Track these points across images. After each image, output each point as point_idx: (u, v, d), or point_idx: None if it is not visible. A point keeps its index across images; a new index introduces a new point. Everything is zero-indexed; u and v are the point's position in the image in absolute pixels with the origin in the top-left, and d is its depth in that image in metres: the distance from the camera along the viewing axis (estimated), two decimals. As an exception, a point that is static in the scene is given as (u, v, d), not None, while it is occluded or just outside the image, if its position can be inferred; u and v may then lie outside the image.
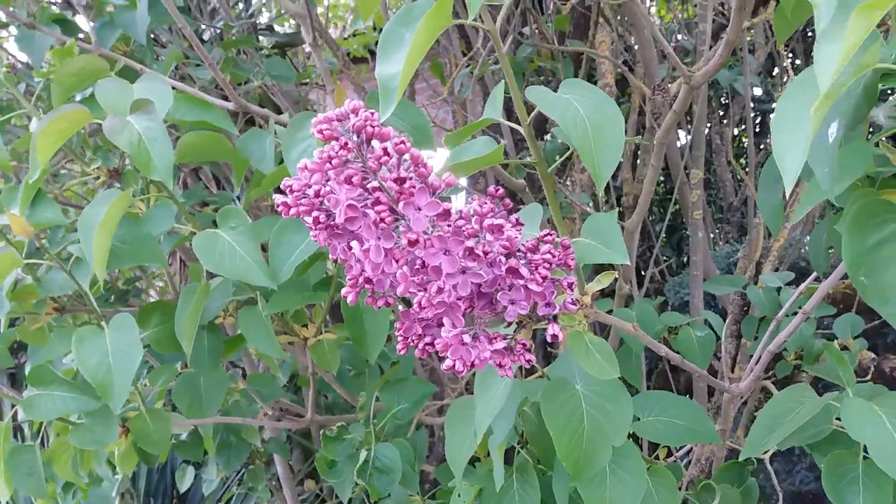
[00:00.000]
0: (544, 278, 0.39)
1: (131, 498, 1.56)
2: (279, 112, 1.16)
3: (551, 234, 0.43)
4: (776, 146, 0.33)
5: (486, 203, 0.37)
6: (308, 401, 0.93)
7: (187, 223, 0.68)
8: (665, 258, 2.14)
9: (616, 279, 1.26)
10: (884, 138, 0.48)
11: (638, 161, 1.51)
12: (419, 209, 0.34)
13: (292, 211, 0.38)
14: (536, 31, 1.28)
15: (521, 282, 0.39)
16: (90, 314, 0.75)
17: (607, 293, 1.45)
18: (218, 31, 1.31)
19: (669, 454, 1.09)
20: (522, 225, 0.44)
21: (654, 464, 0.66)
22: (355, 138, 0.33)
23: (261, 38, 1.51)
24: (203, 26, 1.33)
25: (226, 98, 1.03)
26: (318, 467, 0.77)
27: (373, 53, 2.04)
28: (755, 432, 0.56)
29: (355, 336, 0.66)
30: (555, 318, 0.43)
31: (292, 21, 1.93)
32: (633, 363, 0.98)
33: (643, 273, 2.05)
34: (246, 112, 0.82)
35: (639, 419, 0.64)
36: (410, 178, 0.33)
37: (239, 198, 0.93)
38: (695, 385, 1.33)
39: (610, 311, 1.02)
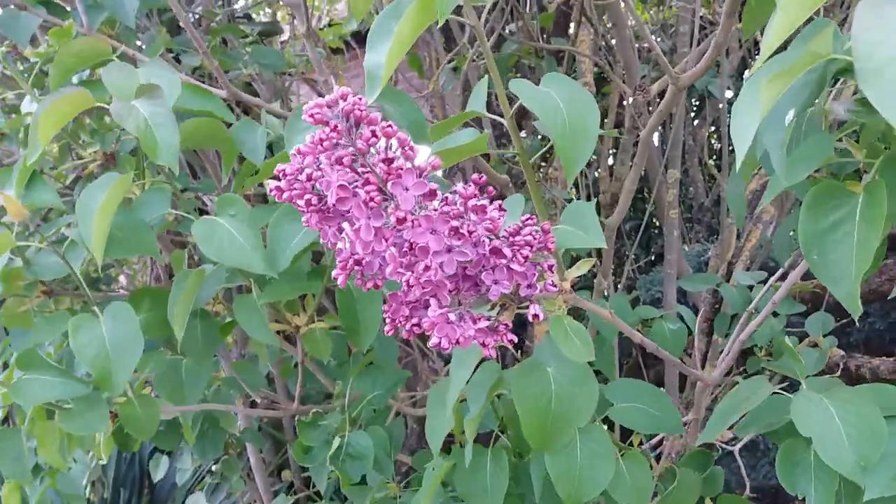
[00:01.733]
0: (526, 258, 0.41)
1: (102, 486, 1.55)
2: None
3: (532, 219, 0.45)
4: (732, 128, 0.35)
5: (470, 187, 0.39)
6: (287, 390, 0.94)
7: (177, 210, 0.69)
8: (635, 256, 2.19)
9: (595, 273, 1.28)
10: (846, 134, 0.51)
11: (616, 160, 1.54)
12: (407, 189, 0.35)
13: (285, 195, 0.40)
14: (521, 28, 1.30)
15: (504, 262, 0.40)
16: (74, 299, 0.75)
17: (586, 287, 1.48)
18: (196, 17, 1.31)
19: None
20: (505, 211, 0.46)
21: (628, 449, 0.68)
22: (345, 122, 0.35)
23: (240, 26, 1.51)
24: (185, 11, 1.32)
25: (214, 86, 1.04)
26: (294, 454, 0.78)
27: (348, 45, 2.04)
28: (713, 420, 0.59)
29: (349, 325, 0.68)
30: (537, 300, 0.45)
31: (268, 10, 1.93)
32: (606, 353, 1.00)
33: (620, 270, 2.09)
34: (237, 101, 0.83)
35: (612, 405, 0.66)
36: (398, 160, 0.35)
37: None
38: (666, 379, 1.36)
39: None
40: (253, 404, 1.17)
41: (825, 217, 0.42)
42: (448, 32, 1.47)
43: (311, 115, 0.35)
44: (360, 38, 1.87)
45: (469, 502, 0.68)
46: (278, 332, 0.79)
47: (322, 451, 0.79)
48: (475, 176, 0.47)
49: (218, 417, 1.04)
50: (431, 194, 0.36)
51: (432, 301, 0.42)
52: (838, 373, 1.03)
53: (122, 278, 1.44)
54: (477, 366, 0.62)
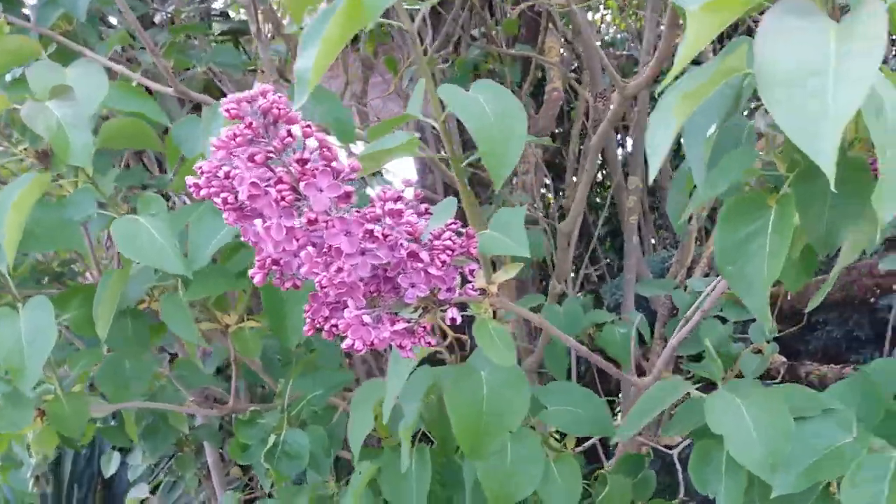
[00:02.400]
0: (443, 263, 0.42)
1: (46, 482, 1.53)
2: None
3: (455, 224, 0.46)
4: (647, 143, 0.36)
5: (389, 189, 0.40)
6: (238, 389, 0.93)
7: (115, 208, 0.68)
8: (609, 261, 2.21)
9: (554, 279, 1.28)
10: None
11: (580, 167, 1.55)
12: (321, 190, 0.36)
13: (203, 192, 0.40)
14: (484, 33, 1.31)
15: (421, 266, 0.41)
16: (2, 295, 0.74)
17: (543, 291, 1.49)
18: (169, 15, 1.30)
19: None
20: (430, 214, 0.47)
21: (563, 452, 0.69)
22: (262, 119, 0.35)
23: (215, 23, 1.50)
24: (155, 8, 1.31)
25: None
26: (231, 451, 0.78)
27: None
28: (629, 419, 0.60)
29: (274, 322, 0.68)
30: (463, 304, 0.45)
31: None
32: (558, 357, 1.01)
33: (587, 275, 2.11)
34: (188, 99, 0.83)
35: (546, 408, 0.67)
36: (314, 161, 0.35)
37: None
38: (622, 384, 1.38)
39: (540, 307, 1.05)
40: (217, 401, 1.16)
41: (740, 229, 0.43)
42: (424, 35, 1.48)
43: (228, 111, 0.35)
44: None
45: (392, 501, 0.69)
46: (222, 332, 0.79)
47: (260, 450, 0.79)
48: (405, 179, 0.48)
49: (167, 415, 1.04)
50: (346, 196, 0.37)
51: (349, 302, 0.43)
52: (779, 378, 1.05)
53: (88, 274, 1.43)
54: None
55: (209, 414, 0.90)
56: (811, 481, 0.52)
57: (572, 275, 1.48)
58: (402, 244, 0.41)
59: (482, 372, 0.60)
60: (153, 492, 1.50)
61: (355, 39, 1.67)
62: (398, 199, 0.39)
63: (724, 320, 1.08)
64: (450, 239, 0.42)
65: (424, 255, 0.41)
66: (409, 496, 0.69)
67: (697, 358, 1.15)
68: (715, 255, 0.44)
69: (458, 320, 0.44)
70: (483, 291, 0.52)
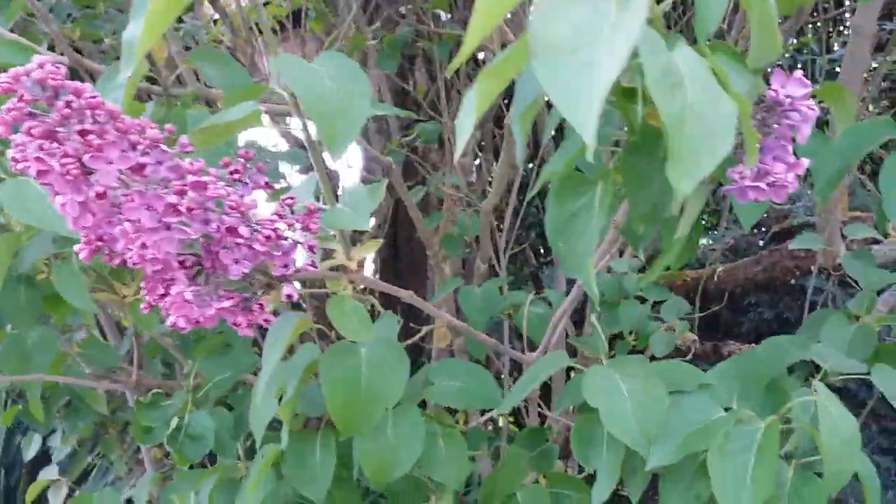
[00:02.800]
0: (268, 238, 0.41)
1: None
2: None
3: (292, 199, 0.45)
4: (457, 125, 0.35)
5: (196, 161, 0.39)
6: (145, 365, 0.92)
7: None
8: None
9: (478, 260, 1.29)
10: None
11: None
12: (111, 163, 0.35)
13: (20, 166, 0.39)
14: (411, 10, 1.29)
15: (242, 241, 0.40)
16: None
17: (495, 274, 1.50)
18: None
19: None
20: (272, 189, 0.46)
21: (453, 427, 0.69)
22: (41, 91, 0.34)
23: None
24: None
25: (79, 52, 1.00)
26: (135, 434, 0.77)
27: (283, 25, 2.00)
28: (513, 392, 0.60)
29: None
30: (292, 281, 0.45)
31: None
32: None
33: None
34: (83, 68, 0.80)
35: (433, 384, 0.67)
36: (101, 132, 0.34)
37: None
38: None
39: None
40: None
41: (568, 206, 0.43)
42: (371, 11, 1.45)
43: (1, 85, 0.33)
44: (297, 17, 1.82)
45: (297, 487, 0.68)
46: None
47: (163, 432, 0.78)
48: (242, 151, 0.46)
49: (83, 394, 1.02)
50: (139, 168, 0.35)
51: (178, 278, 0.42)
52: (690, 356, 1.07)
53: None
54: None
55: (109, 388, 0.89)
56: (684, 453, 0.53)
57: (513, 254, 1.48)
58: (223, 219, 0.40)
59: (362, 349, 0.60)
60: (85, 477, 1.48)
61: (298, 19, 1.65)
62: (201, 171, 0.37)
63: (642, 300, 1.10)
64: (277, 213, 0.42)
65: (244, 229, 0.40)
66: (313, 479, 0.68)
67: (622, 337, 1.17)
68: (547, 232, 0.44)
69: (295, 297, 0.44)
70: (344, 269, 0.52)
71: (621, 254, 1.40)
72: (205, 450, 0.76)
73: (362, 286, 0.54)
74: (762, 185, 0.40)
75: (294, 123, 0.50)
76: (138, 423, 0.77)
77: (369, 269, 2.28)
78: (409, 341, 1.05)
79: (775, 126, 0.41)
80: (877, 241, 1.21)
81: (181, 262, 0.42)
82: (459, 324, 0.70)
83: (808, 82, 0.41)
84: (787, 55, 2.43)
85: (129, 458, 1.33)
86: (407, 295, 0.57)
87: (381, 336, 0.61)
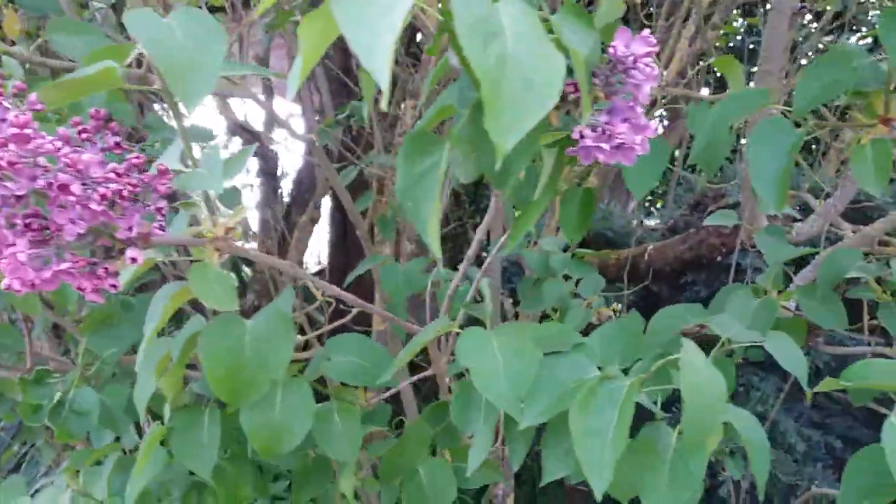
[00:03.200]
0: (103, 197, 0.40)
1: None
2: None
3: (139, 158, 0.44)
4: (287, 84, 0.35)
5: (23, 115, 0.37)
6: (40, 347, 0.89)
7: None
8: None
9: (405, 239, 1.28)
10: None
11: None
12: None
13: None
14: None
15: (74, 199, 0.39)
16: None
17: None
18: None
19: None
20: (123, 149, 0.45)
21: (352, 405, 0.68)
22: None
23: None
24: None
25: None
26: (22, 413, 0.75)
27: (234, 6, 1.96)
28: (398, 355, 0.60)
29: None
30: (135, 244, 0.43)
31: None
32: (399, 314, 1.01)
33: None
34: None
35: (329, 359, 0.67)
36: None
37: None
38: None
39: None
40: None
41: (417, 165, 0.43)
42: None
43: None
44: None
45: (185, 463, 0.67)
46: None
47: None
48: (92, 111, 0.45)
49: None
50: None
51: (18, 241, 0.40)
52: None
53: None
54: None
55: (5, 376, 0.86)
56: (555, 412, 0.53)
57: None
58: (57, 176, 0.39)
59: (247, 322, 0.59)
60: (17, 467, 1.45)
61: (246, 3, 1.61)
62: (26, 125, 0.36)
63: (566, 277, 1.10)
64: (113, 171, 0.40)
65: (77, 187, 0.39)
66: (200, 455, 0.68)
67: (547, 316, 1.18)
68: (396, 192, 0.43)
69: (139, 259, 0.43)
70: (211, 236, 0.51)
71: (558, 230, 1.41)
72: (88, 426, 0.75)
73: (235, 255, 0.53)
74: (605, 145, 0.40)
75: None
76: (25, 401, 0.75)
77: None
78: (338, 323, 1.05)
79: (621, 85, 0.41)
80: (797, 220, 1.24)
81: (26, 224, 0.41)
82: (376, 309, 0.70)
83: (654, 41, 0.41)
84: (737, 37, 2.47)
85: (61, 446, 1.30)
86: (287, 265, 0.56)
87: (272, 308, 0.61)
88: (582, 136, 0.39)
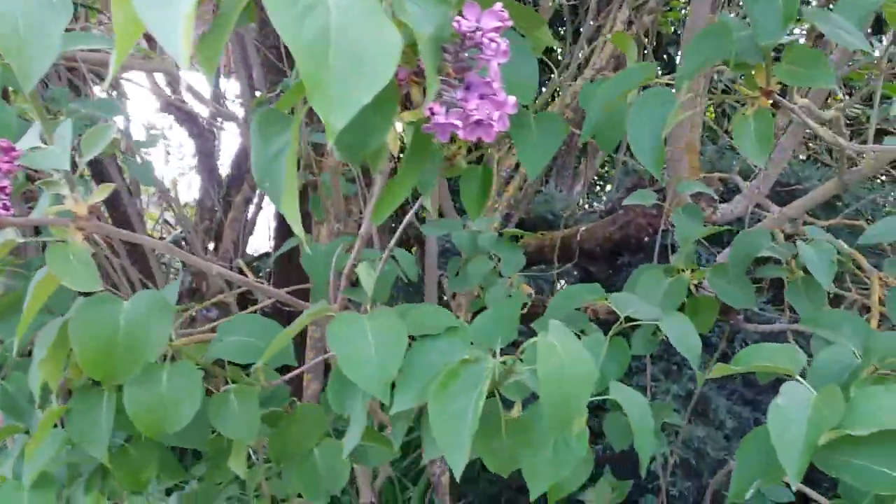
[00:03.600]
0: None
1: None
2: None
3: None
4: None
5: None
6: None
7: None
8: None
9: (332, 219, 1.27)
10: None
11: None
12: None
13: None
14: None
15: None
16: None
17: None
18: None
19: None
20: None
21: (250, 385, 0.68)
22: None
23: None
24: None
25: None
26: None
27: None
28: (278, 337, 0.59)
29: None
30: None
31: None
32: (321, 293, 1.01)
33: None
34: None
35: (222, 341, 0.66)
36: None
37: None
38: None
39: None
40: None
41: (271, 145, 0.42)
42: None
43: None
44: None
45: (83, 446, 0.66)
46: None
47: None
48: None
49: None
50: None
51: None
52: (525, 309, 1.09)
53: None
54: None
55: None
56: (425, 396, 0.53)
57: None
58: None
59: (124, 303, 0.58)
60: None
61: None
62: None
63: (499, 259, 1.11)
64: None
65: None
66: (95, 436, 0.66)
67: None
68: (253, 172, 0.42)
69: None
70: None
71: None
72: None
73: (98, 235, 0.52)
74: (458, 122, 0.40)
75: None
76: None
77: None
78: (262, 305, 1.03)
79: (474, 62, 0.40)
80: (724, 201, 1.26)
81: None
82: (278, 293, 0.69)
83: (505, 16, 0.40)
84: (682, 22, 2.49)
85: None
86: (160, 246, 0.55)
87: (150, 292, 0.60)
88: (433, 113, 0.39)
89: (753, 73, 0.55)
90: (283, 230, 2.03)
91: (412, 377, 0.54)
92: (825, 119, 0.86)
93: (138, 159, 1.27)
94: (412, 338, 0.58)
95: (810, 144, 1.94)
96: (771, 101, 0.55)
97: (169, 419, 0.60)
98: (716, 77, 1.53)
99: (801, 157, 1.91)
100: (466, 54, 0.40)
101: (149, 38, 1.65)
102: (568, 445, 0.59)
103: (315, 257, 1.01)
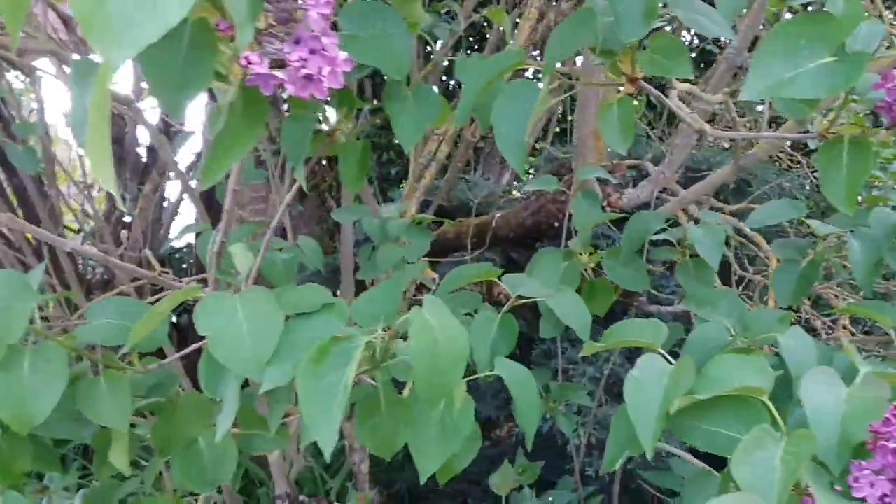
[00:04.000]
0: None
1: None
2: None
3: None
4: None
5: None
6: None
7: None
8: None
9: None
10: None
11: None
12: None
13: None
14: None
15: None
16: None
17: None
18: None
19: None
20: None
21: (123, 369, 0.66)
22: None
23: None
24: None
25: None
26: None
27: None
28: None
29: None
30: None
31: None
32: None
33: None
34: None
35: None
36: None
37: None
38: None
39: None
40: None
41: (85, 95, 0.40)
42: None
43: None
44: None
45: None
46: None
47: None
48: None
49: None
50: None
51: None
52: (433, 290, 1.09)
53: None
54: None
55: None
56: (293, 375, 0.52)
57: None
58: None
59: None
60: None
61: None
62: None
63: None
64: None
65: None
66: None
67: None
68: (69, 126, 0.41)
69: None
70: None
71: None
72: None
73: None
74: (280, 73, 0.39)
75: None
76: None
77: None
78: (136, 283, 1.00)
79: (299, 13, 0.39)
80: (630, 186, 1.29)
81: None
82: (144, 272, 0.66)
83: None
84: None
85: None
86: (55, 239, 0.52)
87: (8, 272, 0.57)
88: (249, 63, 0.38)
89: (619, 60, 0.56)
90: (211, 217, 1.98)
91: (284, 355, 0.53)
92: (714, 103, 0.89)
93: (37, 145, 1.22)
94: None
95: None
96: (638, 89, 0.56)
97: (33, 409, 0.58)
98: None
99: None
100: (289, 5, 0.39)
101: (65, 22, 1.58)
102: (455, 423, 0.59)
103: (207, 242, 0.99)
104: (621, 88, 0.57)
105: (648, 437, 0.49)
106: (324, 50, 0.39)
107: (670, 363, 0.54)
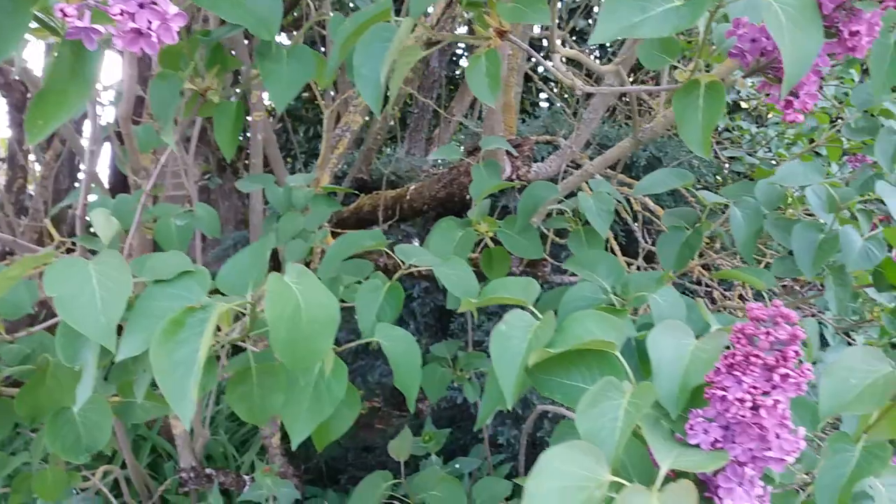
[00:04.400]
0: None
1: None
2: None
3: None
4: None
5: None
6: None
7: None
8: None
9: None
10: None
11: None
12: None
13: None
14: None
15: None
16: None
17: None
18: None
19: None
20: None
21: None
22: None
23: None
24: None
25: None
26: None
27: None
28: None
29: None
30: None
31: None
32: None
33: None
34: None
35: None
36: None
37: None
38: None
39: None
40: None
41: None
42: None
43: None
44: None
45: None
46: None
47: None
48: None
49: None
50: None
51: None
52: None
53: None
54: None
55: None
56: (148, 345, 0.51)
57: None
58: None
59: None
60: None
61: None
62: None
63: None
64: None
65: None
66: None
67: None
68: None
69: None
70: None
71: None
72: None
73: None
74: (101, 27, 0.37)
75: None
76: None
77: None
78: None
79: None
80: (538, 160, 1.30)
81: None
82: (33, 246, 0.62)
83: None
84: None
85: None
86: None
87: None
88: (65, 15, 0.36)
89: (486, 12, 0.56)
90: (116, 185, 1.91)
91: (140, 324, 0.51)
92: (603, 72, 0.91)
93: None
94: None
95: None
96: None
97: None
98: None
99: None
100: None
101: None
102: (330, 389, 0.59)
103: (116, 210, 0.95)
104: (489, 42, 0.57)
105: (510, 390, 0.50)
106: (154, 4, 0.38)
107: (539, 319, 0.55)
